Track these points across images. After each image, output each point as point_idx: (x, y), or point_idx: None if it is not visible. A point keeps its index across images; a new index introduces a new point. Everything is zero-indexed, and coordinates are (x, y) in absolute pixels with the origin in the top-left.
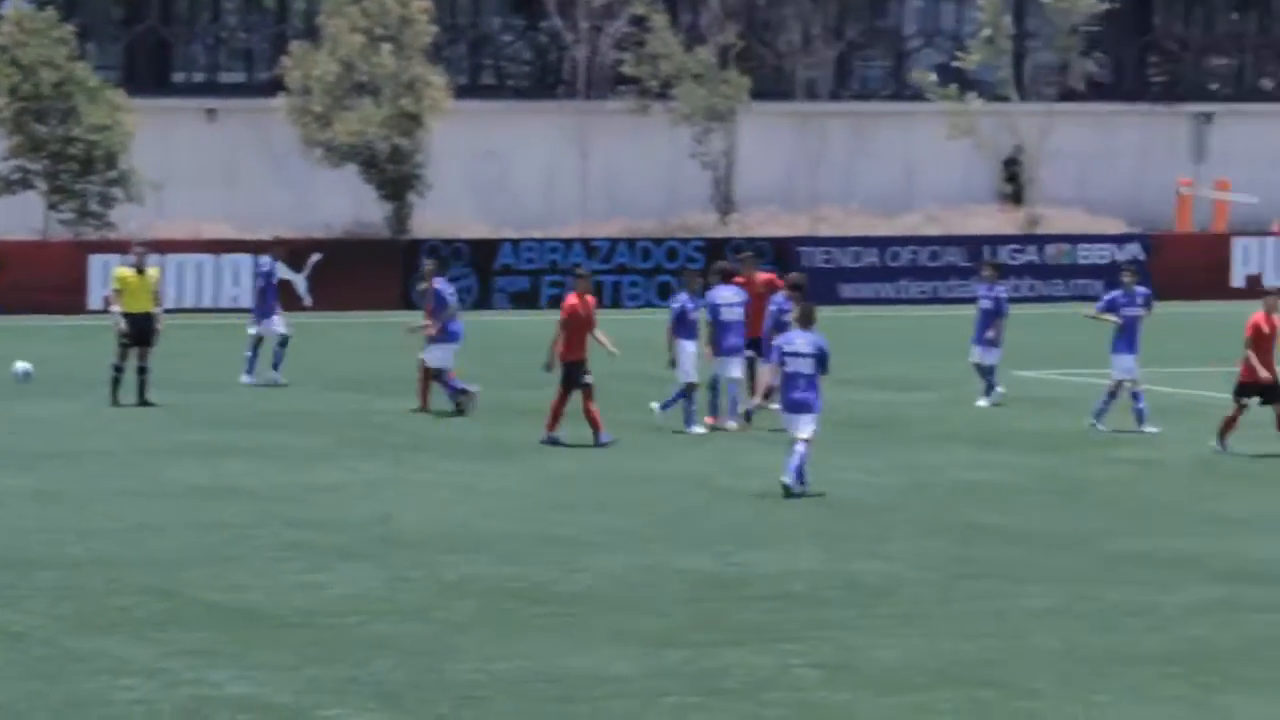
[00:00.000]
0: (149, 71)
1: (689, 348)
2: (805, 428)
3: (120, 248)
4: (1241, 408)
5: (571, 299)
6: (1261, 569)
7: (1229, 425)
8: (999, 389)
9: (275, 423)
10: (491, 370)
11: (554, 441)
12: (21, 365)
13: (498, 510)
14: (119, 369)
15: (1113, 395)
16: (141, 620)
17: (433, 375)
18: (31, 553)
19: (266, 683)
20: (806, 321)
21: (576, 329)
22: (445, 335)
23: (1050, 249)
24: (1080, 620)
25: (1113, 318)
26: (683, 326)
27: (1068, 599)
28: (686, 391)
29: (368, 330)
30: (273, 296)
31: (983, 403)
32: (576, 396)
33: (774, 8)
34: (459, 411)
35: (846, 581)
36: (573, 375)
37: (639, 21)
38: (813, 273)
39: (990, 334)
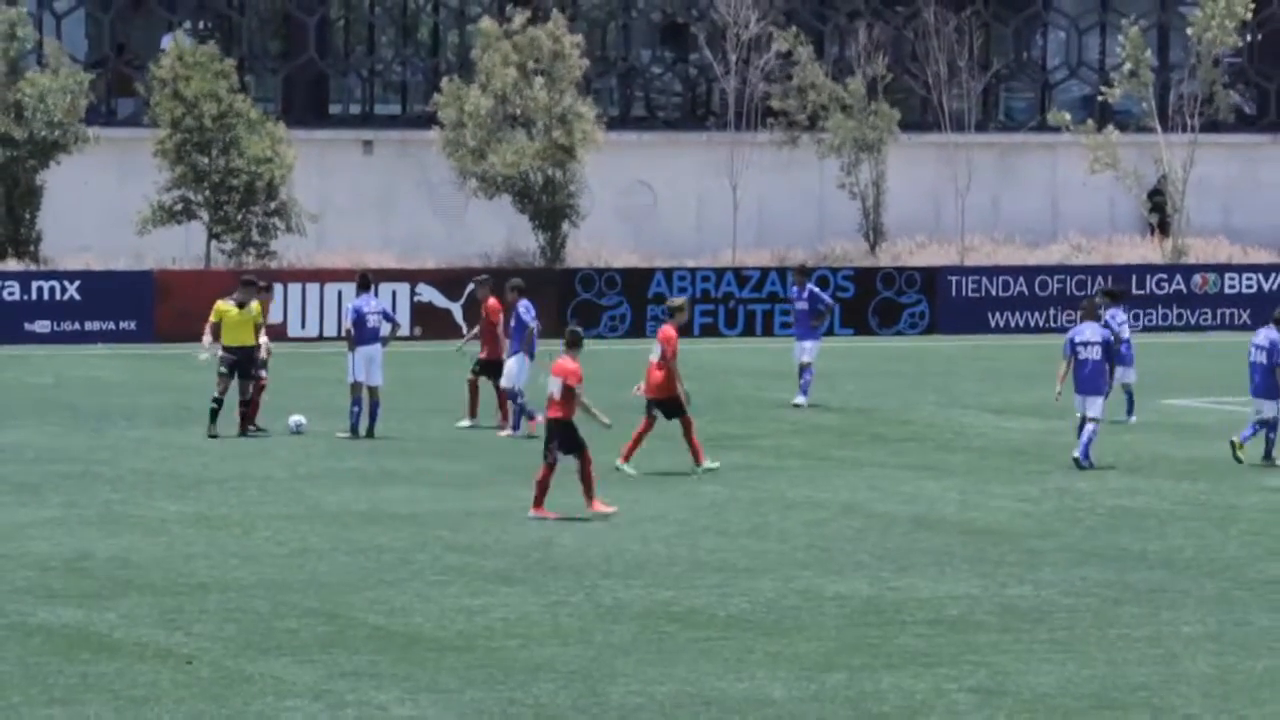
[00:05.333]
0: (306, 104)
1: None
2: (1095, 407)
3: (280, 277)
4: None
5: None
6: None
7: None
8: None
9: (431, 449)
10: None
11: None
12: (295, 419)
13: (653, 535)
14: (219, 401)
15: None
16: (306, 643)
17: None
18: (198, 577)
19: (430, 705)
20: (1093, 315)
21: None
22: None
23: (1196, 279)
24: (1234, 645)
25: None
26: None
27: (1220, 624)
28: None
29: None
30: (804, 320)
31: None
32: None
33: (920, 40)
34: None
35: (1001, 607)
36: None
37: (787, 54)
38: (961, 301)
39: None
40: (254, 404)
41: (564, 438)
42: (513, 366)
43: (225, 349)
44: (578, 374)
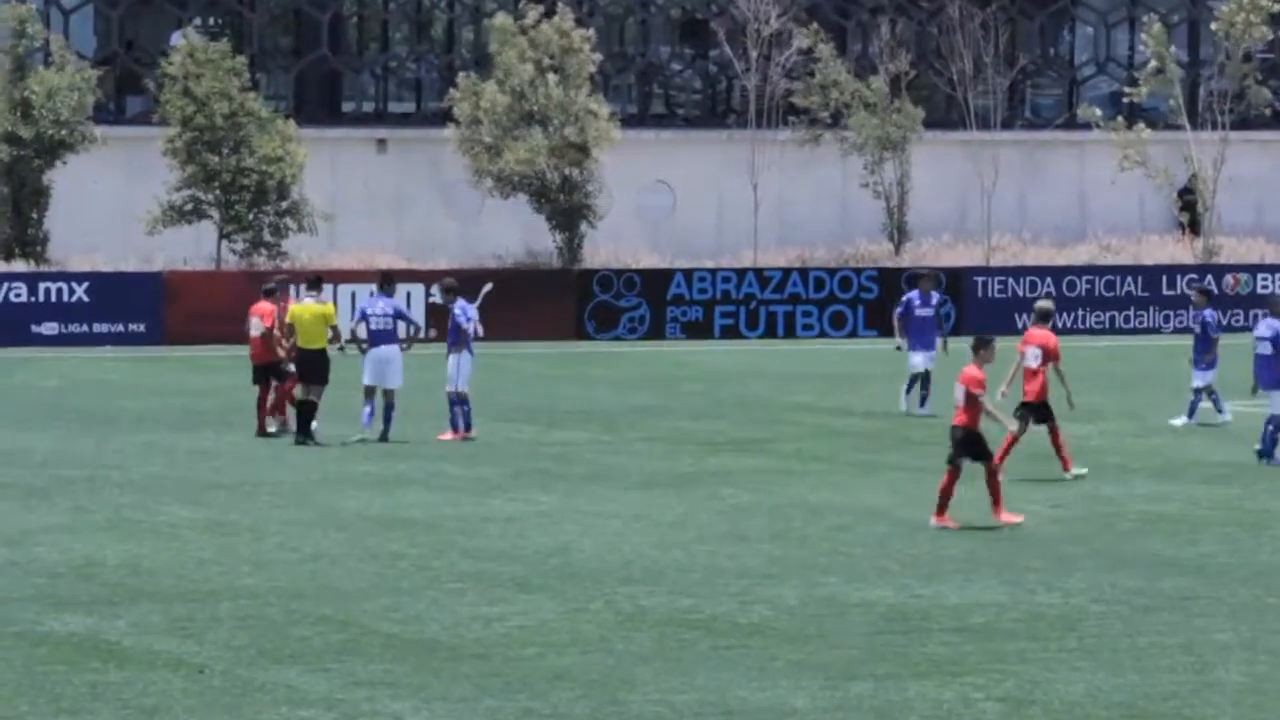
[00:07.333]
0: (319, 101)
1: None
2: (1274, 403)
3: (292, 278)
4: None
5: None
6: None
7: None
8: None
9: (447, 454)
10: (666, 399)
11: None
12: None
13: (673, 541)
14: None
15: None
16: (320, 651)
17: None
18: (209, 584)
19: (445, 714)
20: (1277, 310)
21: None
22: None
23: (1228, 279)
24: (1267, 654)
25: None
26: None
27: (1254, 632)
28: None
29: (540, 360)
30: (931, 328)
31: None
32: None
33: (945, 36)
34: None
35: (1029, 614)
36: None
37: (808, 51)
38: (988, 302)
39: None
40: (279, 404)
41: (968, 446)
42: (451, 367)
43: (300, 349)
44: (979, 381)
